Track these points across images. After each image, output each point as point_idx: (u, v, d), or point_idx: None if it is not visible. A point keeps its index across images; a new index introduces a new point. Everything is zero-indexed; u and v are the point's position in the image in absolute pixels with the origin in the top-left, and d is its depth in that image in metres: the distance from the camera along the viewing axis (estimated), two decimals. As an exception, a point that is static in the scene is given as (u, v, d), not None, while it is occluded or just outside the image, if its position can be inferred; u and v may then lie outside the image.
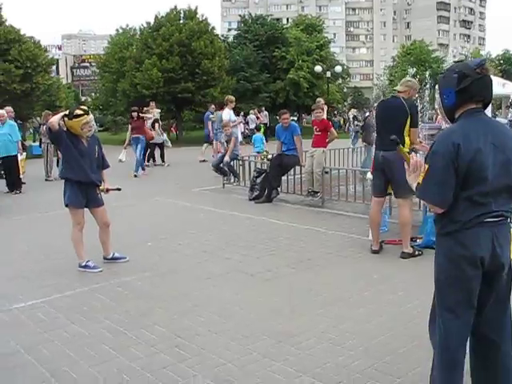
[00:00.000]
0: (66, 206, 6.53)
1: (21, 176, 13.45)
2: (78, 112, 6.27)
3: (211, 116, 18.62)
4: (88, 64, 78.34)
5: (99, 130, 40.07)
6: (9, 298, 5.59)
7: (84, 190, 6.44)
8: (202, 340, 4.47)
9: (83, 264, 6.49)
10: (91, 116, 6.42)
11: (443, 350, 3.06)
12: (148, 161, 18.83)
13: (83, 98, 63.74)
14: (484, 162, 2.88)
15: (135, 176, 15.73)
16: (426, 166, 2.99)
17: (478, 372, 3.21)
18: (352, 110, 27.51)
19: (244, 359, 4.12)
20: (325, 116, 14.07)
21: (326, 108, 19.03)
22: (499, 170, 2.91)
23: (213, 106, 20.06)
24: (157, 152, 19.23)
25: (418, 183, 3.06)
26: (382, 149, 6.75)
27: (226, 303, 5.32)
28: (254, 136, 18.04)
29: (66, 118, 6.28)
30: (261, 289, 5.76)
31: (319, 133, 10.50)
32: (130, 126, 16.92)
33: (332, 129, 10.96)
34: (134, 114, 16.64)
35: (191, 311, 5.13)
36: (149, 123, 18.52)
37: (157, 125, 18.86)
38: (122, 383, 3.80)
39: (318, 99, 19.73)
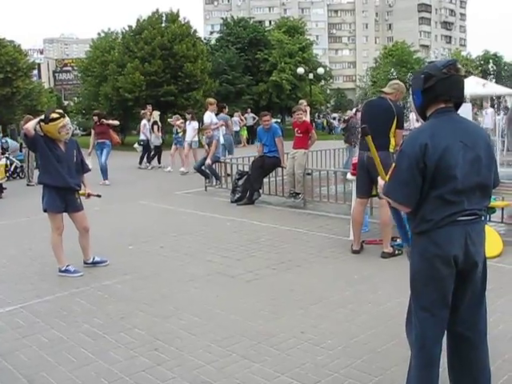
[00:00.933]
0: (45, 211, 6.48)
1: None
2: (54, 116, 6.19)
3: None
4: (70, 68, 77.99)
5: (82, 135, 39.93)
6: (-13, 303, 5.55)
7: (62, 195, 6.39)
8: (182, 342, 4.47)
9: (63, 269, 6.45)
10: (67, 119, 6.36)
11: (419, 349, 3.08)
12: (149, 162, 19.17)
13: (66, 103, 63.35)
14: (452, 160, 2.90)
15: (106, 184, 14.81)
16: (393, 165, 3.03)
17: (455, 370, 3.23)
18: (333, 114, 27.67)
19: (223, 361, 4.12)
20: (308, 118, 14.29)
21: (308, 109, 19.15)
22: (469, 168, 2.93)
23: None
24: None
25: (385, 181, 3.11)
26: (367, 149, 6.72)
27: (206, 305, 5.32)
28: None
29: (42, 123, 6.21)
30: (241, 290, 5.77)
31: (300, 135, 10.54)
32: (92, 132, 15.89)
33: (313, 131, 10.97)
34: (95, 118, 15.60)
35: (172, 314, 5.12)
36: (147, 125, 19.08)
37: (156, 127, 18.87)
38: (100, 387, 3.78)
39: (300, 101, 19.81)
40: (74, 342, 4.57)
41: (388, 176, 3.07)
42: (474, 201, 2.97)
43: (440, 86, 3.00)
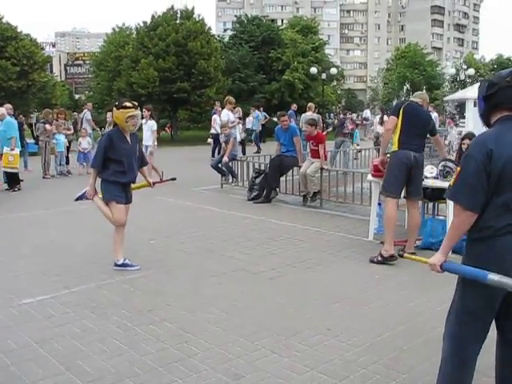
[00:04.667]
0: (106, 202, 6.49)
1: (8, 169, 13.25)
2: (127, 104, 6.31)
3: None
4: (82, 62, 78.10)
5: (93, 129, 40.09)
6: (18, 293, 5.67)
7: (125, 188, 6.51)
8: (211, 336, 4.58)
9: (120, 262, 6.50)
10: (138, 112, 6.46)
11: (456, 349, 3.12)
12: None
13: (77, 96, 63.57)
14: None
15: None
16: (459, 169, 3.02)
17: (505, 380, 3.25)
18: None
19: (253, 355, 4.22)
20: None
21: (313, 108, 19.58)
22: None
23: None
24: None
25: (450, 185, 3.09)
26: (412, 149, 6.81)
27: (231, 300, 5.43)
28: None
29: (114, 108, 6.37)
30: (265, 287, 5.88)
31: (316, 147, 10.69)
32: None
33: (324, 144, 11.07)
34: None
35: (198, 308, 5.23)
36: (218, 120, 18.78)
37: None
38: (134, 376, 3.89)
39: (309, 104, 20.16)
40: (104, 332, 4.69)
41: (453, 180, 3.06)
42: None
43: (501, 94, 3.01)
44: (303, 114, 20.11)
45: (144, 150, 13.02)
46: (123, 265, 6.51)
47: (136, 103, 6.50)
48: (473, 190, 2.93)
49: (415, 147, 6.84)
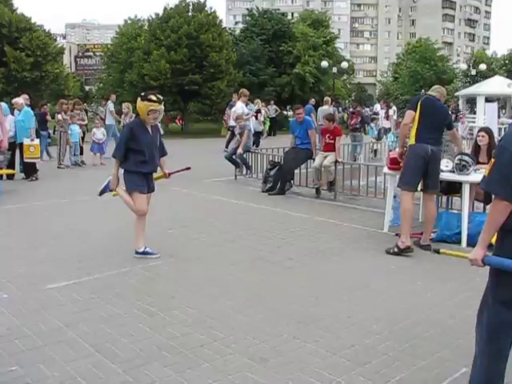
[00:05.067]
0: (128, 191, 6.60)
1: (30, 160, 13.40)
2: (153, 97, 6.37)
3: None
4: (92, 53, 78.11)
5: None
6: (42, 278, 5.81)
7: (146, 177, 6.62)
8: (234, 322, 4.70)
9: (141, 250, 6.62)
10: (162, 107, 6.55)
11: (489, 341, 3.18)
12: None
13: (87, 88, 63.72)
14: None
15: None
16: (493, 160, 3.06)
17: None
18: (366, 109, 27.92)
19: (276, 340, 4.34)
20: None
21: (329, 102, 19.68)
22: None
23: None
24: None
25: (484, 176, 3.15)
26: (429, 143, 6.89)
27: (252, 288, 5.55)
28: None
29: (139, 98, 6.45)
30: (284, 276, 6.00)
31: (332, 141, 10.79)
32: None
33: (341, 137, 11.22)
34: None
35: (220, 296, 5.35)
36: None
37: (259, 115, 20.54)
38: (162, 359, 4.02)
39: (325, 98, 20.33)
40: (130, 317, 4.82)
41: (488, 171, 3.10)
42: None
43: None
44: (320, 108, 20.19)
45: None
46: (144, 253, 6.63)
47: (161, 98, 6.57)
48: (507, 181, 2.96)
49: (432, 141, 6.92)
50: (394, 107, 24.15)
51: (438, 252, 3.84)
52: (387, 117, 19.74)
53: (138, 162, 6.48)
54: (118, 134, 18.66)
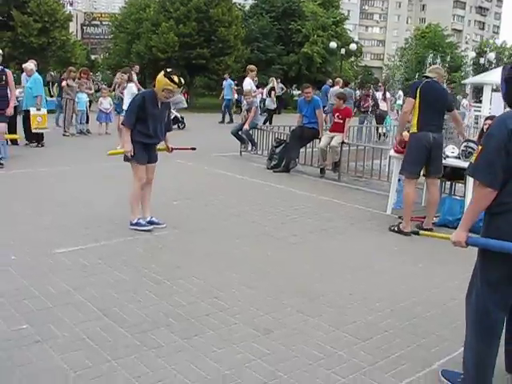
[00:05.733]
0: (127, 160, 6.63)
1: (38, 131, 13.35)
2: (175, 78, 6.36)
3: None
4: (99, 22, 77.50)
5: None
6: (50, 243, 5.88)
7: (148, 149, 6.63)
8: (239, 294, 4.79)
9: (134, 222, 6.62)
10: (179, 90, 6.59)
11: (478, 322, 3.27)
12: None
13: (93, 57, 63.37)
14: None
15: None
16: (480, 147, 3.17)
17: None
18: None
19: (280, 313, 4.44)
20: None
21: (340, 83, 19.58)
22: None
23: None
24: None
25: (471, 162, 3.26)
26: (431, 130, 6.92)
27: (257, 263, 5.64)
28: None
29: (163, 72, 6.44)
30: (289, 252, 6.08)
31: (340, 121, 10.83)
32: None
33: (350, 119, 11.26)
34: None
35: (226, 268, 5.43)
36: None
37: (273, 92, 20.86)
38: (169, 325, 4.11)
39: (337, 79, 20.24)
40: (137, 284, 4.91)
41: (475, 157, 3.20)
42: None
43: None
44: (331, 89, 20.09)
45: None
46: (136, 224, 6.61)
47: (183, 82, 6.64)
48: (493, 168, 3.07)
49: (434, 128, 6.94)
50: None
51: (417, 234, 3.92)
52: (384, 99, 19.62)
53: (141, 133, 6.50)
54: None
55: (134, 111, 6.50)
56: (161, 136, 6.72)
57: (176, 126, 18.54)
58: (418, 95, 6.89)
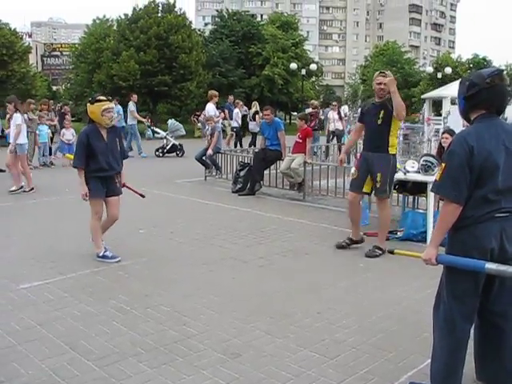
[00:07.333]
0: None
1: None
2: (101, 97, 6.44)
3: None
4: (59, 53, 77.20)
5: (72, 121, 39.97)
6: (15, 279, 5.81)
7: (104, 181, 6.53)
8: (207, 319, 4.79)
9: (101, 254, 6.55)
10: (113, 104, 6.61)
11: (447, 334, 3.34)
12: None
13: (54, 88, 63.01)
14: (495, 162, 3.14)
15: None
16: (444, 164, 3.24)
17: (482, 358, 3.52)
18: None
19: (248, 336, 4.45)
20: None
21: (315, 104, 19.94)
22: (508, 170, 3.17)
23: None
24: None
25: (436, 180, 3.33)
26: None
27: (224, 287, 5.65)
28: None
29: (88, 103, 6.46)
30: (255, 274, 6.10)
31: (300, 140, 11.03)
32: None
33: (311, 138, 11.44)
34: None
35: (192, 293, 5.43)
36: (239, 113, 21.18)
37: (257, 116, 20.29)
38: (137, 355, 4.09)
39: (312, 101, 20.76)
40: (104, 315, 4.87)
41: (439, 175, 3.29)
42: (509, 199, 3.20)
43: (482, 95, 3.23)
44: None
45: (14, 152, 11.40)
46: (103, 256, 6.55)
47: (110, 97, 6.70)
48: (457, 184, 3.16)
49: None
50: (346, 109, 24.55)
51: (392, 252, 4.00)
52: (340, 118, 19.89)
53: (95, 169, 6.44)
54: (137, 133, 19.17)
55: (81, 150, 6.43)
56: (116, 166, 6.61)
57: (175, 154, 19.23)
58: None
